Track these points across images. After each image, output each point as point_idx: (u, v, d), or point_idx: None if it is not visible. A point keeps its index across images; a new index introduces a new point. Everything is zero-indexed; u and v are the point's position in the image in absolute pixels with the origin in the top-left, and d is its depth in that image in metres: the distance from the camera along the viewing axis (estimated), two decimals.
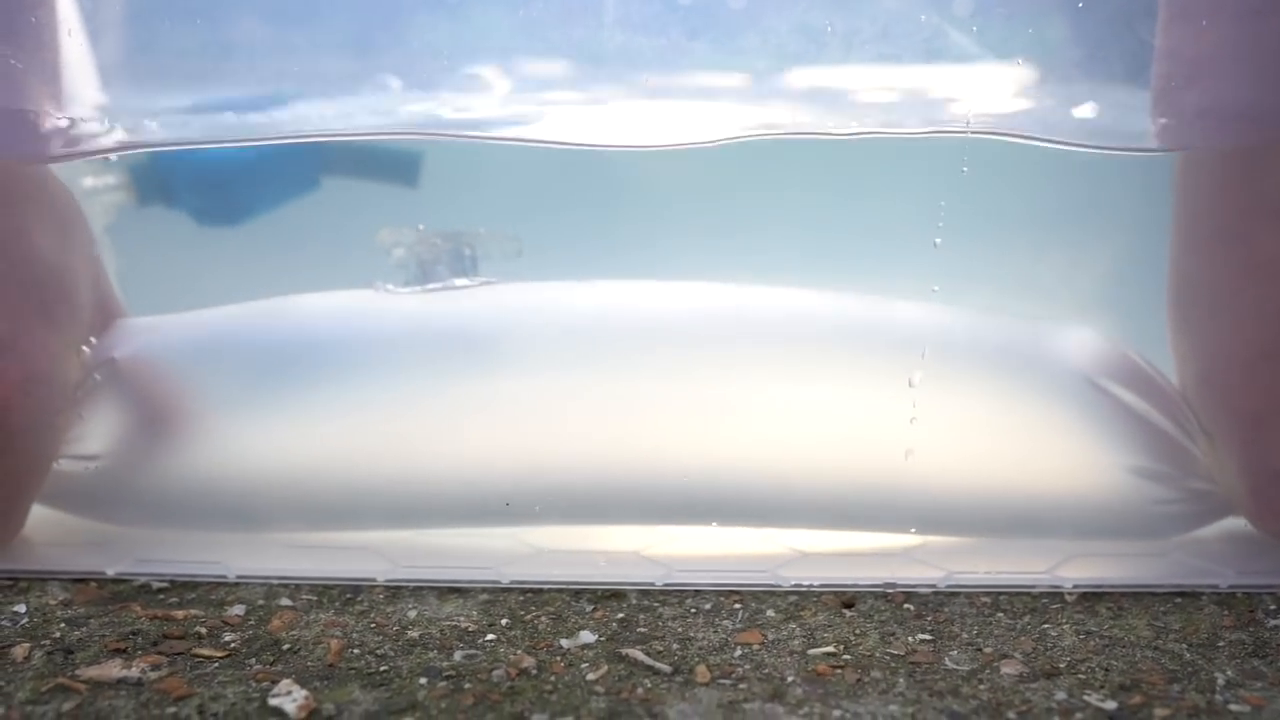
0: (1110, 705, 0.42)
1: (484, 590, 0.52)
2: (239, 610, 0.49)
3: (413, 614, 0.49)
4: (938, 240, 0.52)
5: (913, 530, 0.56)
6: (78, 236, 0.56)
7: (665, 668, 0.45)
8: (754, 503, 0.56)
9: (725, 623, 0.49)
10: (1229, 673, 0.45)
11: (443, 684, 0.43)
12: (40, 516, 0.62)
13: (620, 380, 0.54)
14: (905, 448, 0.54)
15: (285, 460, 0.55)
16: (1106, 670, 0.45)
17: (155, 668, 0.44)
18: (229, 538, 0.56)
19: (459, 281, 0.58)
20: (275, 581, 0.52)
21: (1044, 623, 0.49)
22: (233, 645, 0.46)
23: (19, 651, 0.45)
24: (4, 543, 0.55)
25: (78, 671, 0.44)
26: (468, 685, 0.43)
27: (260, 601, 0.50)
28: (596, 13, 0.53)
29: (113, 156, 0.61)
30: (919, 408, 0.53)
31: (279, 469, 0.55)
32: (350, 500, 0.55)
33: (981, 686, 0.43)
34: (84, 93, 0.54)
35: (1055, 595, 0.51)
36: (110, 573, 0.52)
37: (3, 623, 0.48)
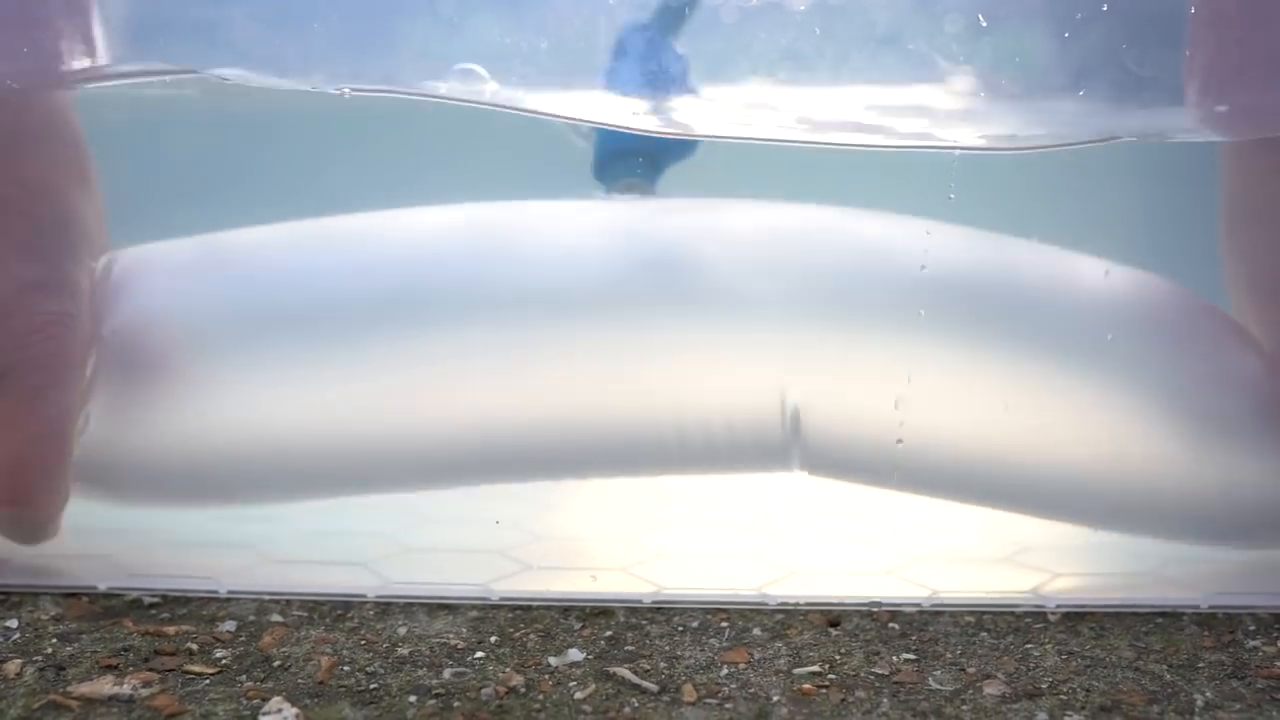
0: None
1: (473, 606, 0.52)
2: (230, 626, 0.50)
3: (403, 630, 0.50)
4: (923, 266, 0.52)
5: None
6: (92, 174, 0.55)
7: (652, 687, 0.45)
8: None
9: (712, 641, 0.49)
10: (1208, 694, 0.45)
11: (432, 702, 0.44)
12: None
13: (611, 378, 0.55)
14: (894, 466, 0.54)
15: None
16: (1088, 691, 0.45)
17: (147, 685, 0.44)
18: (221, 551, 0.57)
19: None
20: (266, 597, 0.52)
21: (1027, 642, 0.49)
22: (224, 662, 0.47)
23: (11, 668, 0.46)
24: (50, 516, 0.52)
25: (70, 688, 0.44)
26: (457, 704, 0.43)
27: (251, 617, 0.51)
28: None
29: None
30: (905, 428, 0.54)
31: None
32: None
33: (964, 707, 0.44)
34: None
35: (1038, 615, 0.52)
36: (102, 587, 0.53)
37: None
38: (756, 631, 0.50)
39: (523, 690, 0.45)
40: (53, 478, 0.52)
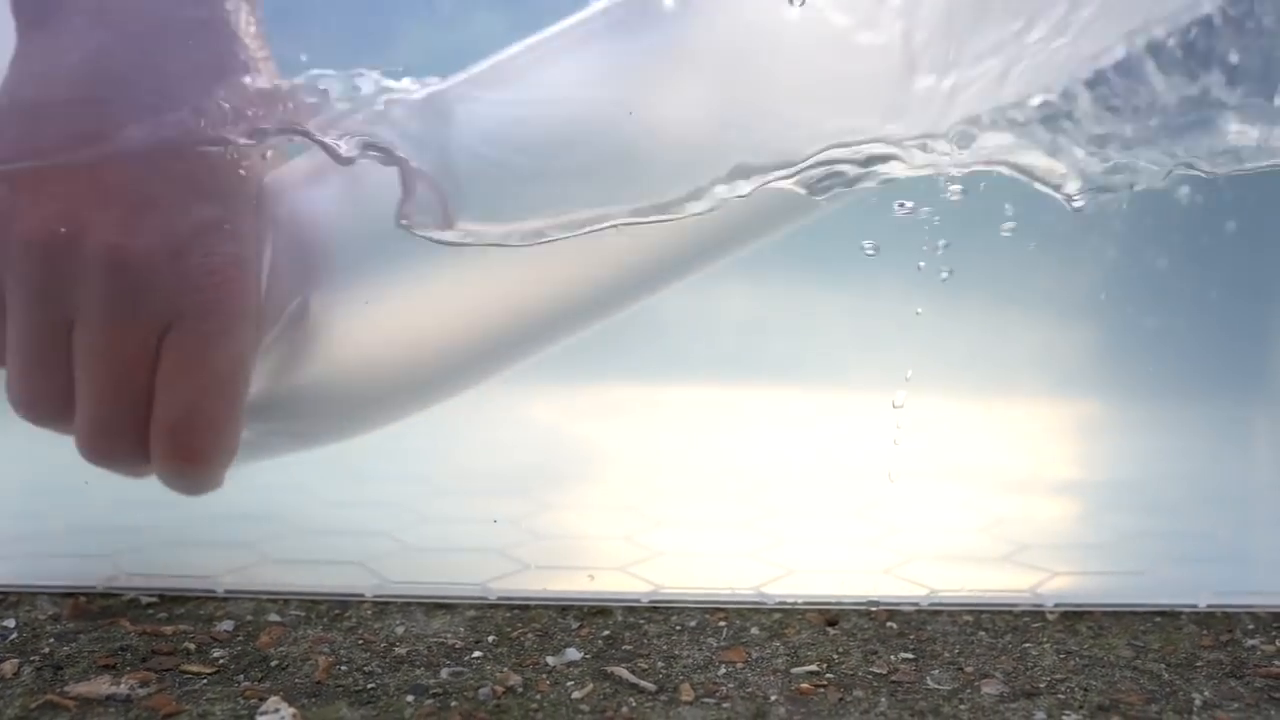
0: None
1: (471, 606, 0.52)
2: (228, 626, 0.50)
3: (400, 630, 0.50)
4: (921, 264, 0.52)
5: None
6: None
7: (650, 686, 0.45)
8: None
9: (710, 640, 0.49)
10: (1206, 693, 0.45)
11: (429, 702, 0.44)
12: (30, 528, 0.62)
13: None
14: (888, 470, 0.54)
15: None
16: (1086, 690, 0.45)
17: (144, 684, 0.44)
18: (218, 550, 0.57)
19: None
20: (264, 597, 0.52)
21: (1025, 642, 0.49)
22: (221, 661, 0.47)
23: (8, 667, 0.46)
24: (216, 472, 0.49)
25: (67, 688, 0.44)
26: (454, 703, 0.43)
27: (249, 617, 0.51)
28: None
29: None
30: (902, 429, 0.54)
31: None
32: None
33: (962, 706, 0.44)
34: None
35: (1036, 614, 0.52)
36: (100, 587, 0.53)
37: None
38: (754, 631, 0.50)
39: (520, 690, 0.45)
40: (222, 433, 0.48)
